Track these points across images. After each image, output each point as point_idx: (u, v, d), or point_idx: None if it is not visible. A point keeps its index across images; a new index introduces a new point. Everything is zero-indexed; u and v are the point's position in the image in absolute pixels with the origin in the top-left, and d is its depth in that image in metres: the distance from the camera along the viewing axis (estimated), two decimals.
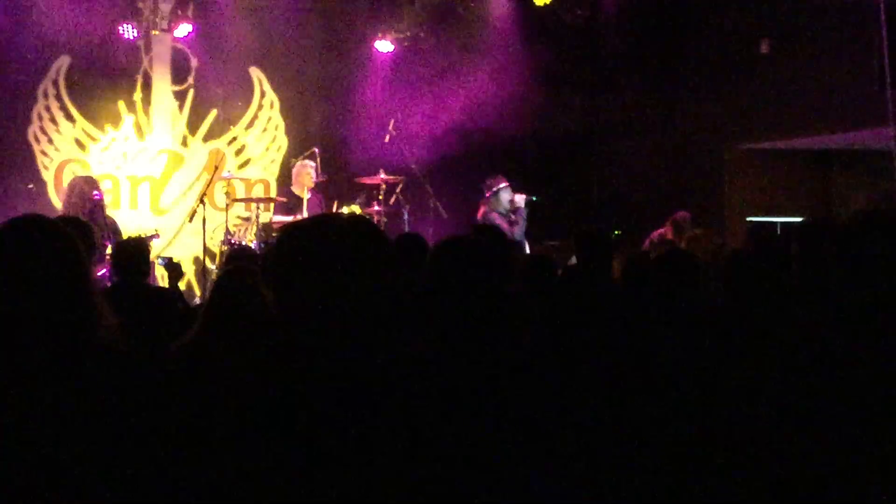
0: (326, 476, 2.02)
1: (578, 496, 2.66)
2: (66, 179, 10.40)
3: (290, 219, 9.68)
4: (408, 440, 2.11)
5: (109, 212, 8.72)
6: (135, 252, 5.61)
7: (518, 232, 9.65)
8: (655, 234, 9.86)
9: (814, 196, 12.32)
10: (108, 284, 5.88)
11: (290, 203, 9.94)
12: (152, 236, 8.40)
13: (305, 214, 9.52)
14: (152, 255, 8.64)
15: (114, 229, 8.43)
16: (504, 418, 2.46)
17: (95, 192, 8.44)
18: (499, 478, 2.37)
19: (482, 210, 9.73)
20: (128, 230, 10.20)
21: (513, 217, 9.69)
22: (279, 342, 2.18)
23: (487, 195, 9.75)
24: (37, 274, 2.24)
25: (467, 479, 2.26)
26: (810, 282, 4.05)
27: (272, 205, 10.30)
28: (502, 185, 9.73)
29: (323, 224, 2.25)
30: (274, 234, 9.57)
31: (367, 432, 2.05)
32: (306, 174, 10.09)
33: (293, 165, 10.43)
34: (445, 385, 2.45)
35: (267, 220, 10.05)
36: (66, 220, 5.81)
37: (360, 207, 10.24)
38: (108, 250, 7.37)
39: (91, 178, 8.71)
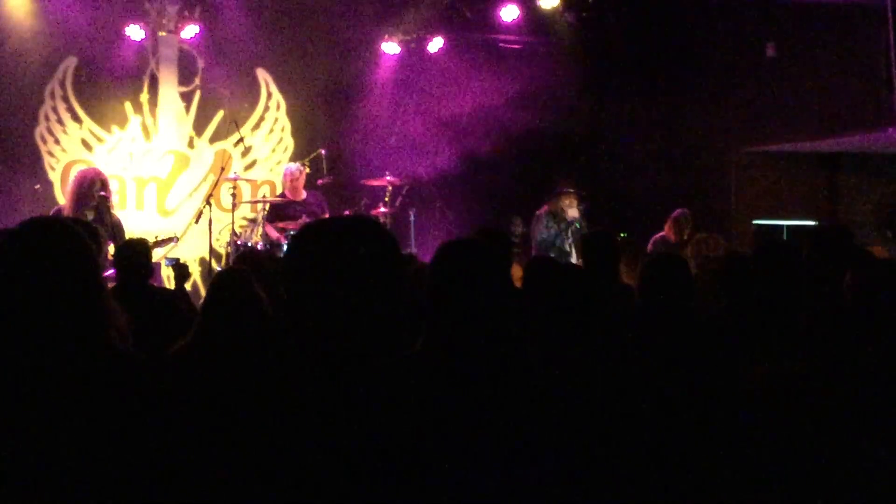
0: (328, 477, 2.02)
1: (579, 497, 2.66)
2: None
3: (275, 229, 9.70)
4: (411, 441, 2.11)
5: (115, 212, 8.65)
6: (138, 253, 5.61)
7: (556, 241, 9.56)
8: (658, 235, 9.85)
9: (820, 199, 12.29)
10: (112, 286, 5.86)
11: (290, 209, 9.89)
12: (170, 239, 8.38)
13: (304, 218, 9.51)
14: (159, 257, 8.68)
15: (117, 229, 8.28)
16: (507, 420, 2.46)
17: (102, 192, 8.31)
18: (504, 478, 2.37)
19: (545, 207, 9.65)
20: (134, 231, 10.23)
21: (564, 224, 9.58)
22: (285, 343, 2.19)
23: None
24: (48, 275, 2.25)
25: (471, 480, 2.26)
26: (819, 286, 4.04)
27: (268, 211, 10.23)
28: (565, 190, 9.61)
29: (332, 226, 2.26)
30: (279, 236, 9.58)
31: (369, 432, 2.05)
32: (291, 178, 10.04)
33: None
34: (447, 385, 2.45)
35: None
36: (76, 222, 5.81)
37: (366, 209, 10.25)
38: (111, 250, 7.32)
39: (100, 172, 8.53)
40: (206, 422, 2.24)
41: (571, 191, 9.60)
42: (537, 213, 9.71)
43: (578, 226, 9.62)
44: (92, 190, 8.12)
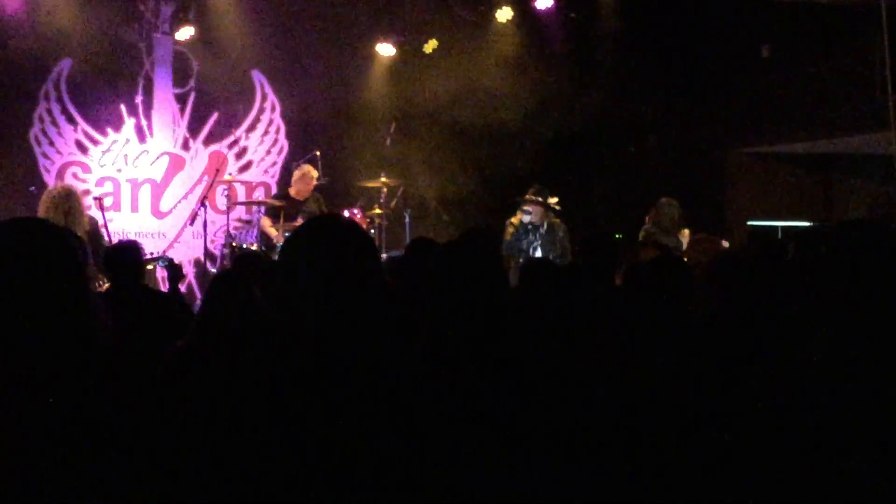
0: (322, 477, 2.02)
1: (575, 497, 2.66)
2: (68, 182, 10.39)
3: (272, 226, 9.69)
4: (405, 440, 2.11)
5: (110, 214, 8.58)
6: (129, 255, 5.58)
7: (506, 245, 9.58)
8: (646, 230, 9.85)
9: (815, 200, 12.32)
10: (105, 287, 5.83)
11: (290, 209, 9.88)
12: (159, 257, 8.35)
13: (299, 220, 9.49)
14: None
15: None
16: (504, 420, 2.46)
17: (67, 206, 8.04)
18: (495, 477, 2.37)
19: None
20: (129, 233, 10.23)
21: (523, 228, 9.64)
22: (280, 344, 2.19)
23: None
24: (34, 276, 2.24)
25: (465, 478, 2.26)
26: (806, 285, 4.04)
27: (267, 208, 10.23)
28: (528, 196, 9.64)
29: (314, 227, 2.27)
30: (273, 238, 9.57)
31: (362, 433, 2.05)
32: (306, 180, 10.04)
33: (295, 169, 10.41)
34: (445, 387, 2.45)
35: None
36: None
37: (362, 211, 10.24)
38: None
39: (67, 187, 8.31)
40: (203, 421, 2.24)
41: (528, 198, 9.61)
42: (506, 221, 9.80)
43: (541, 228, 9.61)
44: (56, 210, 7.92)
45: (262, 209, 10.00)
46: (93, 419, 2.19)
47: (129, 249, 5.66)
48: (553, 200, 9.73)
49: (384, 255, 9.03)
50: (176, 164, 11.10)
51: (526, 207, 9.59)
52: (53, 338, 2.22)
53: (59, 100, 10.60)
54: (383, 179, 10.34)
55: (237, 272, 4.66)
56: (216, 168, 10.58)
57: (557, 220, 9.73)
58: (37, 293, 2.22)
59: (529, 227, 9.63)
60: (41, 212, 8.03)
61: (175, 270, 6.41)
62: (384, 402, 2.11)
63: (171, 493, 2.21)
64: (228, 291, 4.16)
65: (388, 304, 2.25)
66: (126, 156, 10.86)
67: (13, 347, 2.19)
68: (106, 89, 10.66)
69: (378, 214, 10.19)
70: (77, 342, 2.25)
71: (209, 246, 10.27)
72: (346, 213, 9.78)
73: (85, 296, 2.34)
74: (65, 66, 10.55)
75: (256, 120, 11.42)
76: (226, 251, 9.62)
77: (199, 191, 10.89)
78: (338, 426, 2.03)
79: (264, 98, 11.44)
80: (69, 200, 8.08)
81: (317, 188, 10.26)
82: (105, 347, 2.31)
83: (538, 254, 9.58)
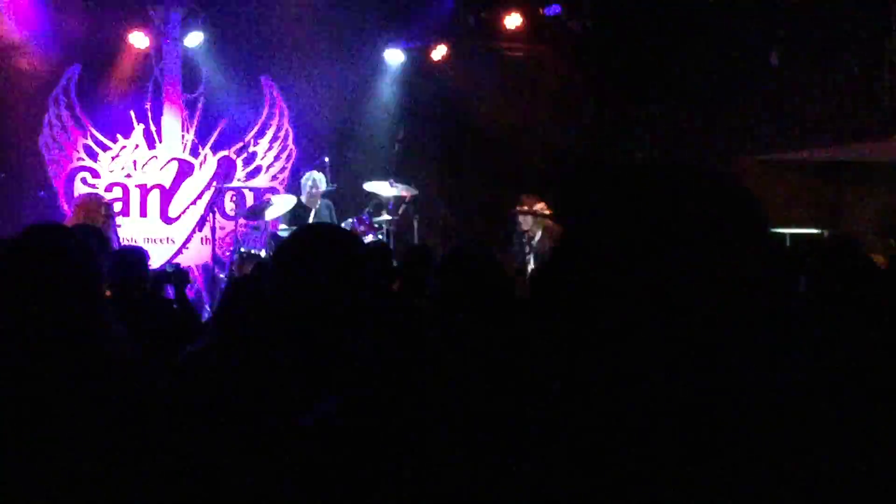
0: (337, 483, 2.03)
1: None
2: (77, 187, 10.45)
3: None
4: (412, 445, 2.11)
5: (118, 219, 8.66)
6: (134, 262, 5.58)
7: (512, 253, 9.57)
8: None
9: (823, 208, 12.27)
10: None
11: (298, 213, 9.92)
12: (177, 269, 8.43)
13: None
14: (160, 263, 8.68)
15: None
16: (510, 427, 2.46)
17: (107, 216, 8.29)
18: (491, 482, 2.37)
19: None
20: (137, 239, 10.25)
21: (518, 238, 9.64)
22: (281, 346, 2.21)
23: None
24: (49, 282, 2.25)
25: (460, 483, 2.26)
26: (823, 298, 4.02)
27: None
28: (517, 208, 9.62)
29: (304, 234, 2.30)
30: None
31: (370, 437, 2.05)
32: (317, 188, 10.09)
33: (301, 176, 10.44)
34: (455, 394, 2.45)
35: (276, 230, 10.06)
36: (82, 229, 5.81)
37: (370, 217, 10.26)
38: None
39: (102, 198, 8.57)
40: (214, 427, 2.24)
41: (517, 210, 9.60)
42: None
43: (535, 237, 9.58)
44: (97, 216, 8.13)
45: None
46: (100, 422, 2.19)
47: (135, 256, 5.67)
48: (539, 206, 9.68)
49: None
50: (185, 170, 11.13)
51: (518, 218, 9.60)
52: (62, 342, 2.23)
53: (69, 105, 10.64)
54: (392, 186, 10.34)
55: (254, 278, 4.67)
56: (225, 174, 10.60)
57: (551, 226, 9.68)
58: (49, 299, 2.24)
59: (524, 237, 9.63)
60: (79, 215, 8.22)
61: (181, 276, 6.42)
62: (386, 403, 2.12)
63: (187, 495, 2.22)
64: (246, 296, 4.17)
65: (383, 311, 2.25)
66: (135, 161, 10.90)
67: (22, 352, 2.20)
68: (115, 95, 10.70)
69: (387, 221, 10.19)
70: (85, 347, 2.26)
71: (217, 252, 10.28)
72: (351, 221, 9.82)
73: (97, 303, 2.36)
74: (74, 72, 10.59)
75: (265, 126, 11.45)
76: (234, 257, 9.64)
77: (207, 196, 10.91)
78: (349, 427, 2.04)
79: (273, 104, 11.46)
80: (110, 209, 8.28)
81: (325, 194, 10.28)
82: (116, 352, 2.32)
83: (530, 265, 9.58)
